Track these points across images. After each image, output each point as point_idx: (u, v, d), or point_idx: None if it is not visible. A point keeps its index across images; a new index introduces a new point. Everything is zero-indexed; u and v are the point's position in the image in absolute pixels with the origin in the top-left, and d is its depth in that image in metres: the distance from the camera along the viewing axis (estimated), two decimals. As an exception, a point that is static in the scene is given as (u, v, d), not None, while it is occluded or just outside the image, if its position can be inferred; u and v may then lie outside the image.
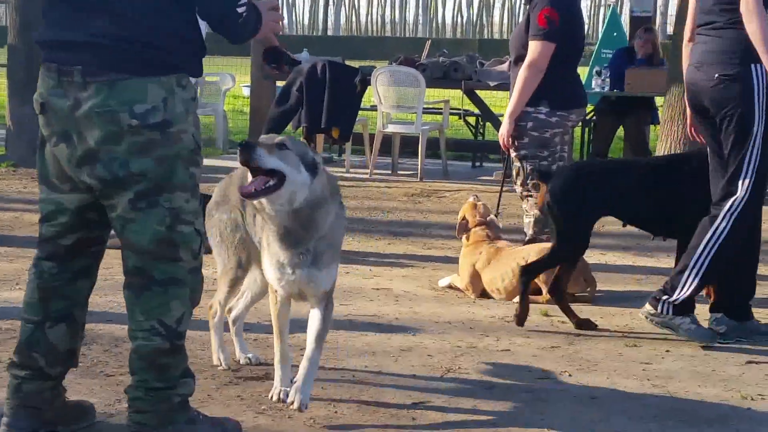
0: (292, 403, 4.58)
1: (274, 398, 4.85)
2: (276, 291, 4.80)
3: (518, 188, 7.66)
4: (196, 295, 4.40)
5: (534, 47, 7.35)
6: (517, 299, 6.96)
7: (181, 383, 4.38)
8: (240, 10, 4.19)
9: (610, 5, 35.53)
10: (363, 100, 13.35)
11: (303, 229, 4.52)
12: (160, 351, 4.30)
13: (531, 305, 6.82)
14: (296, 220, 4.49)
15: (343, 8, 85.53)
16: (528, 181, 7.49)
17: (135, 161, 4.10)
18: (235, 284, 5.32)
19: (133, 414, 4.42)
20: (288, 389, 4.69)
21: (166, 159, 4.15)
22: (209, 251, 4.97)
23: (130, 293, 4.30)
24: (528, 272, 6.57)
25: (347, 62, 13.64)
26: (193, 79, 4.31)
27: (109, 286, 6.41)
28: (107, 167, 4.10)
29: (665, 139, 11.58)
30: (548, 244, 7.18)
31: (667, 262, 8.32)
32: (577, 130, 13.58)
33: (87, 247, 4.44)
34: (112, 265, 5.62)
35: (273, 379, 4.93)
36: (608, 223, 10.14)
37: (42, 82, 4.23)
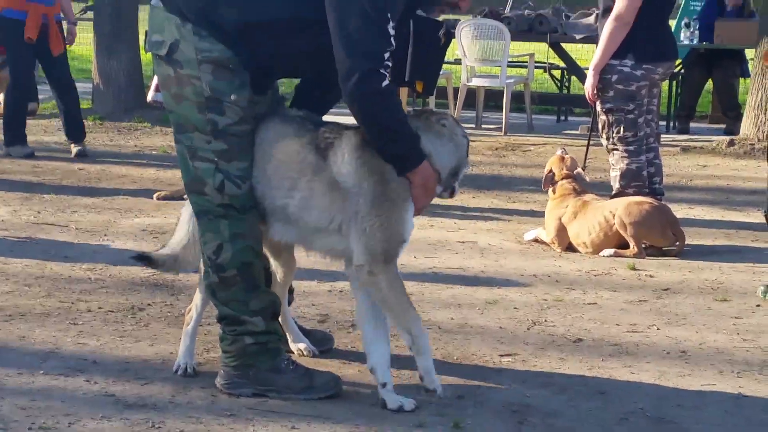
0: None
1: None
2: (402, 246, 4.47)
3: (605, 142, 7.61)
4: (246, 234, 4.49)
5: (620, 3, 7.28)
6: (606, 252, 6.96)
7: (249, 321, 4.47)
8: (384, 81, 4.25)
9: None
10: (447, 53, 13.31)
11: None
12: (214, 285, 4.51)
13: (618, 259, 6.81)
14: None
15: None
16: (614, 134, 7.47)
17: (162, 92, 4.54)
18: None
19: (222, 356, 4.58)
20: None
21: (180, 97, 4.42)
22: None
23: None
24: None
25: (435, 17, 13.58)
26: None
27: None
28: None
29: (756, 92, 11.45)
30: (636, 198, 7.16)
31: (757, 216, 8.24)
32: (665, 84, 13.46)
33: None
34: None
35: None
36: (696, 177, 10.08)
37: None
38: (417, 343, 4.40)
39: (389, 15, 4.21)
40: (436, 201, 4.61)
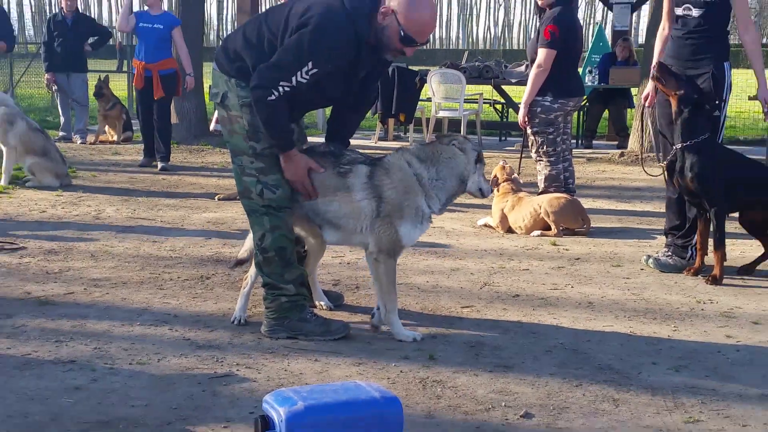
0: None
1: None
2: (404, 245, 4.53)
3: (533, 155, 7.64)
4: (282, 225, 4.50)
5: (541, 53, 7.32)
6: (535, 233, 6.96)
7: (284, 287, 4.51)
8: (270, 97, 4.18)
9: (597, 23, 34.90)
10: (421, 93, 13.30)
11: None
12: (260, 262, 4.56)
13: (544, 237, 6.80)
14: None
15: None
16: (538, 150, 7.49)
17: (220, 126, 4.70)
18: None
19: (265, 311, 4.59)
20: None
21: (232, 134, 4.48)
22: None
23: None
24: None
25: (410, 67, 13.57)
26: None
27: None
28: None
29: (637, 119, 11.41)
30: (555, 194, 7.18)
31: (641, 206, 8.27)
32: (576, 113, 13.47)
33: None
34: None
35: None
36: (597, 179, 10.07)
37: None
38: (386, 317, 4.53)
39: (308, 67, 4.11)
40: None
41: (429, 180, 4.45)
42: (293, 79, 4.13)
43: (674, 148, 5.77)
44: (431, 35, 4.69)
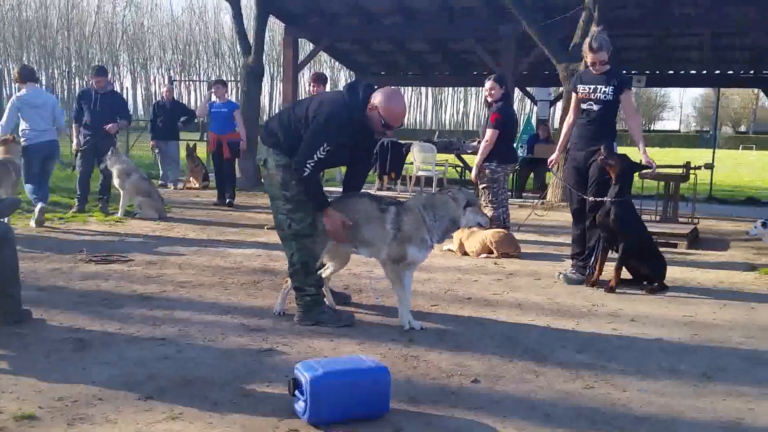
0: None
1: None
2: (410, 263, 4.43)
3: (483, 202, 7.58)
4: (314, 246, 4.48)
5: (488, 133, 7.29)
6: (482, 256, 6.92)
7: (307, 289, 4.48)
8: (304, 173, 4.22)
9: (527, 113, 34.80)
10: (406, 158, 13.31)
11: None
12: (291, 272, 4.53)
13: (488, 259, 6.77)
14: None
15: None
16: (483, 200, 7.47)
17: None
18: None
19: (297, 306, 4.56)
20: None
21: (271, 185, 4.47)
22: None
23: None
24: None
25: (399, 140, 13.59)
26: None
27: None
28: None
29: (552, 180, 11.47)
30: (497, 230, 7.15)
31: (554, 238, 8.24)
32: (511, 174, 13.48)
33: None
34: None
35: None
36: (527, 220, 10.04)
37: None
38: (400, 305, 4.45)
39: (324, 146, 4.15)
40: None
41: (430, 221, 4.41)
42: (315, 156, 4.18)
43: (606, 200, 5.65)
44: (405, 120, 4.78)
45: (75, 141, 9.35)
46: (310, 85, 8.89)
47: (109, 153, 8.99)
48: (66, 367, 3.60)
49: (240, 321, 4.52)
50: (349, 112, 4.21)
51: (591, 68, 5.82)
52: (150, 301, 4.93)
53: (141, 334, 4.19)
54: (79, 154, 9.24)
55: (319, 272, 4.59)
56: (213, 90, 11.03)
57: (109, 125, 9.00)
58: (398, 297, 4.48)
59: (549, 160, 6.26)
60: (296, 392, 3.07)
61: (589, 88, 5.83)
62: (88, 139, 9.09)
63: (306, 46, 16.68)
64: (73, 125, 9.37)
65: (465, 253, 7.19)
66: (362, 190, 4.73)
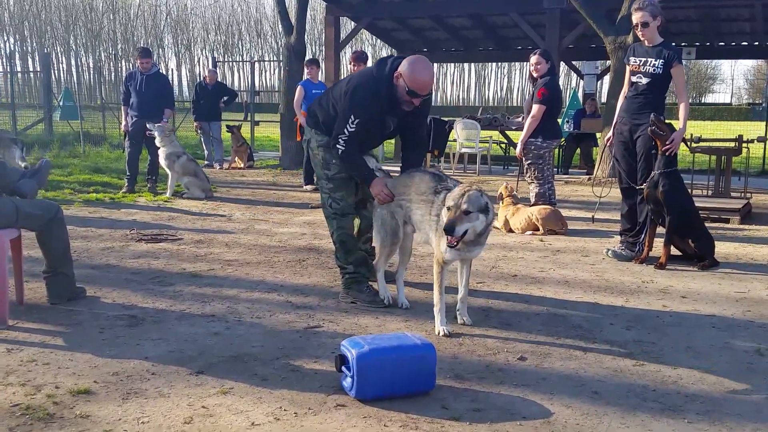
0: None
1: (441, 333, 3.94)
2: (445, 261, 3.96)
3: (527, 178, 7.52)
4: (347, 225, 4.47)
5: (534, 108, 7.22)
6: (528, 233, 6.87)
7: (347, 267, 4.52)
8: (340, 149, 4.22)
9: (573, 87, 34.21)
10: (449, 136, 13.24)
11: (477, 236, 3.89)
12: (335, 249, 4.57)
13: (534, 236, 6.69)
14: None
15: (441, 92, 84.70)
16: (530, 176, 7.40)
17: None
18: (390, 253, 4.44)
19: (341, 284, 4.59)
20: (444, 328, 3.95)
21: (315, 165, 4.53)
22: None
23: None
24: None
25: (442, 117, 13.52)
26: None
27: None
28: None
29: (600, 155, 11.24)
30: (543, 206, 7.08)
31: (602, 215, 8.10)
32: (556, 150, 13.31)
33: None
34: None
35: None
36: (572, 195, 9.91)
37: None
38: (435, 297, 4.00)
39: (352, 119, 4.14)
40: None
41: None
42: (345, 130, 4.19)
43: (654, 172, 5.58)
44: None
45: (123, 123, 9.52)
46: (350, 63, 8.86)
47: (161, 131, 9.05)
48: (120, 343, 3.69)
49: (286, 298, 4.57)
50: (377, 83, 4.17)
51: (637, 32, 5.69)
52: (199, 279, 5.01)
53: (191, 311, 4.27)
54: (127, 136, 9.42)
55: (360, 251, 4.57)
56: (307, 70, 10.60)
57: (158, 125, 9.08)
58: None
59: (605, 138, 6.15)
60: (343, 368, 3.10)
61: (640, 61, 5.70)
62: (135, 121, 9.25)
63: (347, 25, 16.65)
64: (122, 107, 9.55)
65: (510, 230, 7.14)
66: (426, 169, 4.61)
